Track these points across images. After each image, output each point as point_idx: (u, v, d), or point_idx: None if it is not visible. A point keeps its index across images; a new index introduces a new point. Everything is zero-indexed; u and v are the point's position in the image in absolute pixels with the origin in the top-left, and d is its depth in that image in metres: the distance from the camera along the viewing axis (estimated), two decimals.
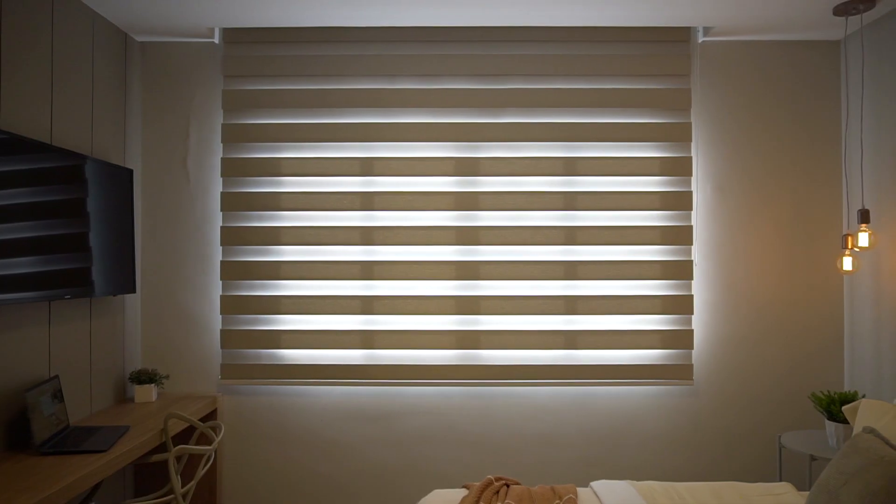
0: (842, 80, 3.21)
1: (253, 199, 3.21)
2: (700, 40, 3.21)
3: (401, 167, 3.21)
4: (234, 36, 3.20)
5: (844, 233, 3.01)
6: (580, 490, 2.33)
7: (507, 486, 2.34)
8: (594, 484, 2.37)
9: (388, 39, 3.20)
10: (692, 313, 3.19)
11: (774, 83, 3.24)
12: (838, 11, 2.83)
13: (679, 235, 3.19)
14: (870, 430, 1.97)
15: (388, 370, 3.19)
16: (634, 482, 2.35)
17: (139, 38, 3.21)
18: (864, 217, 2.74)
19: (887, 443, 1.88)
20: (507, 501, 2.15)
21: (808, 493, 2.13)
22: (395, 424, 3.23)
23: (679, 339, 3.19)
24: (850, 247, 2.78)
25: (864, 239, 2.72)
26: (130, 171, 2.99)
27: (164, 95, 3.26)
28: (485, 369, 3.18)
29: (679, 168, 3.20)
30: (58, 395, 2.46)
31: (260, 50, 3.21)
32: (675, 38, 3.19)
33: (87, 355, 2.80)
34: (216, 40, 3.21)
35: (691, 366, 3.18)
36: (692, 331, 3.19)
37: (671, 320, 3.20)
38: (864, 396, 2.63)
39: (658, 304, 3.19)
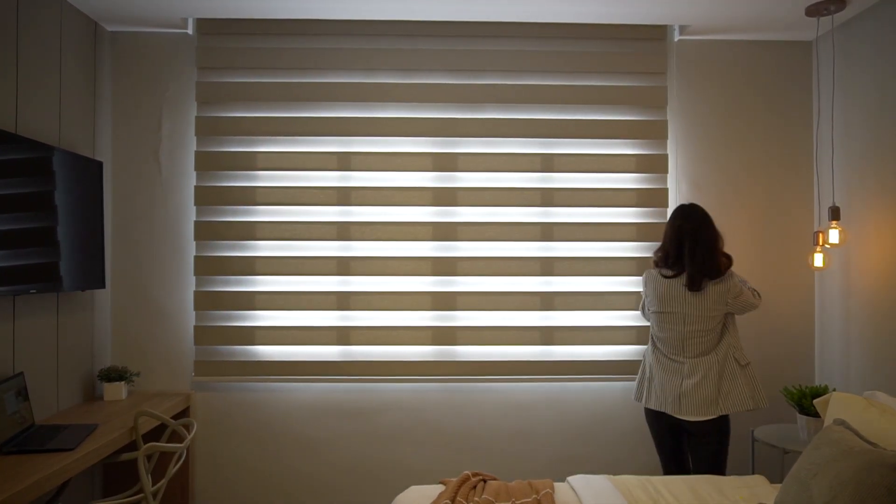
0: (813, 79, 3.27)
1: (227, 193, 3.15)
2: (676, 39, 3.24)
3: (378, 162, 3.18)
4: (209, 27, 3.14)
5: (815, 230, 3.06)
6: (557, 485, 2.33)
7: (484, 481, 2.33)
8: (571, 479, 2.37)
9: (366, 33, 3.17)
10: None
11: (748, 82, 3.28)
12: (810, 12, 2.88)
13: (655, 232, 3.22)
14: (840, 423, 2.00)
15: (363, 366, 3.16)
16: (611, 476, 2.36)
17: (110, 28, 3.14)
18: (835, 214, 2.79)
19: (857, 434, 1.92)
20: (484, 497, 2.14)
21: (780, 485, 2.16)
22: (371, 421, 3.20)
23: None
24: (820, 243, 2.83)
25: (834, 236, 2.77)
26: (100, 164, 2.92)
27: (135, 87, 3.18)
28: (461, 365, 3.17)
29: (655, 165, 3.23)
30: (22, 393, 2.38)
31: (235, 42, 3.15)
32: (651, 37, 3.21)
33: (54, 352, 2.73)
34: (190, 31, 3.15)
35: None
36: None
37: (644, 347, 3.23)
38: (834, 390, 2.68)
39: (633, 300, 3.20)
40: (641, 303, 2.82)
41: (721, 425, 2.54)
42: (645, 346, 3.21)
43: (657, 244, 3.19)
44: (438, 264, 3.18)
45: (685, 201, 3.23)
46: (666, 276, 2.58)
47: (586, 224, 3.21)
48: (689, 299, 2.53)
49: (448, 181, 3.21)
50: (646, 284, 2.68)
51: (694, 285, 2.51)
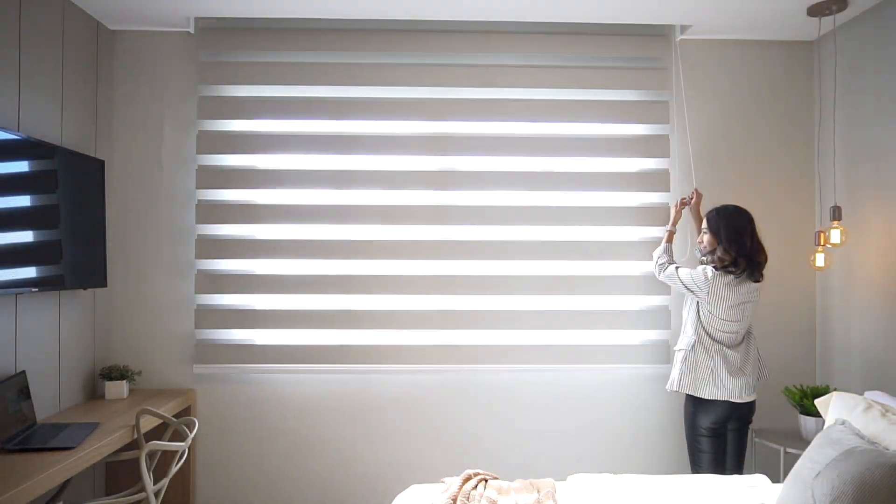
0: (815, 79, 3.27)
1: (228, 194, 3.15)
2: (678, 38, 3.23)
3: (381, 175, 3.18)
4: (211, 26, 3.14)
5: (817, 229, 3.06)
6: (558, 484, 2.33)
7: (486, 480, 2.33)
8: (572, 478, 2.37)
9: (367, 47, 3.15)
10: (669, 329, 3.23)
11: (750, 82, 3.28)
12: (812, 12, 2.88)
13: (657, 246, 3.19)
14: (841, 422, 2.00)
15: (365, 351, 3.15)
16: (612, 475, 2.36)
17: (112, 27, 3.14)
18: (836, 214, 2.79)
19: (858, 434, 1.92)
20: (485, 496, 2.14)
21: (781, 484, 2.16)
22: (373, 420, 3.20)
23: (657, 352, 3.23)
24: (822, 243, 2.83)
25: (835, 236, 2.77)
26: (102, 162, 2.92)
27: (137, 85, 3.18)
28: (465, 350, 3.17)
29: (657, 179, 3.23)
30: (24, 392, 2.39)
31: (237, 41, 3.15)
32: (654, 47, 3.21)
33: (56, 351, 2.73)
34: (192, 30, 3.15)
35: (668, 359, 3.21)
36: (667, 342, 3.23)
37: (648, 331, 3.23)
38: (835, 390, 2.67)
39: (635, 315, 3.22)
40: (692, 304, 2.75)
41: (755, 402, 2.74)
42: (647, 341, 3.22)
43: (659, 240, 3.21)
44: (439, 248, 3.18)
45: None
46: (737, 276, 2.63)
47: (588, 242, 3.21)
48: (751, 293, 2.66)
49: (449, 194, 3.22)
50: (722, 288, 2.62)
51: (761, 277, 2.67)
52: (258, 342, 3.16)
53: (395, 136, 3.18)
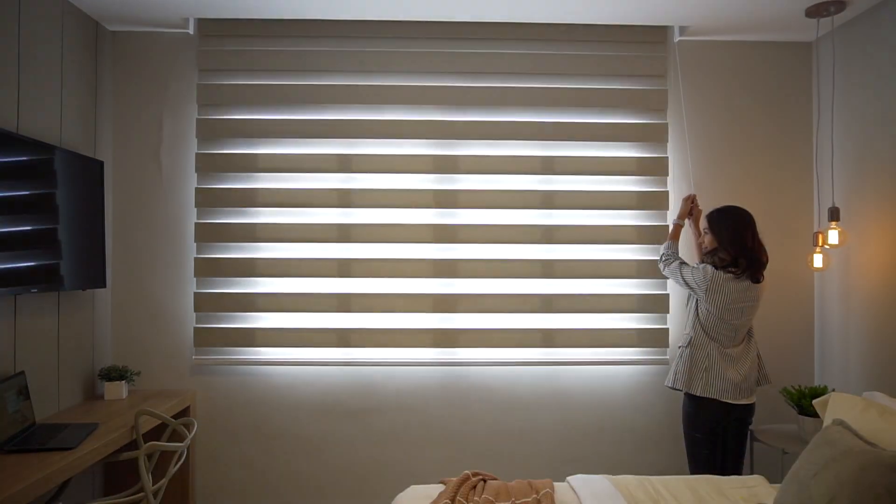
0: (813, 80, 3.27)
1: (227, 192, 3.15)
2: (676, 39, 3.24)
3: (379, 163, 3.18)
4: (210, 27, 3.14)
5: (815, 230, 3.07)
6: (557, 485, 2.34)
7: (485, 481, 2.34)
8: (571, 478, 2.38)
9: (368, 35, 3.17)
10: (668, 311, 3.23)
11: (748, 83, 3.28)
12: (810, 13, 2.88)
13: (655, 234, 3.22)
14: (839, 423, 2.01)
15: (365, 335, 3.16)
16: (611, 476, 2.36)
17: (111, 28, 3.14)
18: (835, 215, 2.79)
19: (856, 434, 1.92)
20: (484, 496, 2.14)
21: (779, 485, 2.17)
22: (372, 420, 3.21)
23: (654, 338, 3.23)
24: (820, 244, 2.84)
25: (834, 236, 2.77)
26: (101, 163, 2.92)
27: (136, 86, 3.19)
28: (465, 334, 3.18)
29: (655, 167, 3.23)
30: (23, 392, 2.39)
31: (236, 41, 3.15)
32: (652, 38, 3.21)
33: (55, 351, 2.73)
34: (191, 31, 3.15)
35: (667, 359, 3.22)
36: (667, 329, 3.22)
37: (646, 318, 3.24)
38: (833, 390, 2.68)
39: (634, 302, 3.21)
40: (693, 301, 2.77)
41: (754, 405, 2.71)
42: (647, 347, 3.23)
43: (656, 246, 3.21)
44: (439, 231, 3.19)
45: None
46: (737, 276, 2.63)
47: (586, 227, 3.21)
48: (750, 292, 2.65)
49: (449, 182, 3.22)
50: (720, 287, 2.62)
51: (762, 278, 2.66)
52: (256, 327, 3.15)
53: (395, 124, 3.18)
